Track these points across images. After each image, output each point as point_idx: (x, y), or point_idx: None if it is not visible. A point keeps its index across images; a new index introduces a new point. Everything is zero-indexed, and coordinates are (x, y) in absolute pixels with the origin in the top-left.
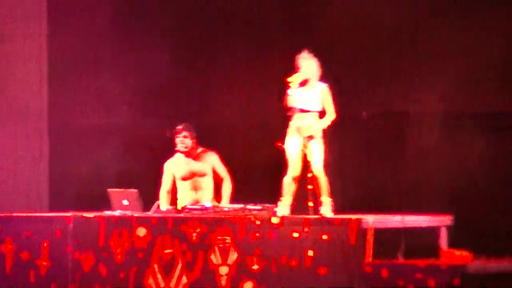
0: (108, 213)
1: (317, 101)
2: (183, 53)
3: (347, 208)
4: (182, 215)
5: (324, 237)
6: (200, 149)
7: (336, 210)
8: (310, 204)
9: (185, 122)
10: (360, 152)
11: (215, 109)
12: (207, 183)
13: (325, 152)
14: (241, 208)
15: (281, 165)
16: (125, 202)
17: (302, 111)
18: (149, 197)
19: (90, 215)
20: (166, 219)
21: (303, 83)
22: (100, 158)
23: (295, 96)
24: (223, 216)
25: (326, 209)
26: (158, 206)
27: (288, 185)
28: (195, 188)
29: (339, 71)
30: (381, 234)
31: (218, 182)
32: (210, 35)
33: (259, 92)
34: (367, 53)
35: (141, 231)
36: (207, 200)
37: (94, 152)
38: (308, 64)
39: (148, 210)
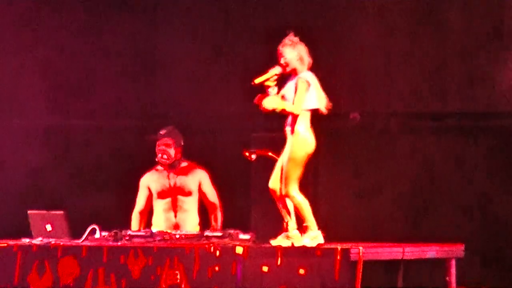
0: (26, 241)
1: (292, 95)
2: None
3: (332, 236)
4: (119, 243)
5: (301, 271)
6: (185, 163)
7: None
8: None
9: (170, 125)
10: (348, 164)
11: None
12: (191, 205)
13: (306, 161)
14: (196, 235)
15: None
16: (49, 227)
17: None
18: (79, 220)
19: (3, 243)
20: (100, 248)
21: (291, 77)
22: (18, 169)
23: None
24: (172, 245)
25: (305, 238)
26: (91, 232)
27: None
28: (175, 209)
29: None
30: (374, 268)
31: (202, 207)
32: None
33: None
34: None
35: (68, 264)
36: (190, 225)
37: (9, 162)
38: (288, 53)
39: (78, 238)
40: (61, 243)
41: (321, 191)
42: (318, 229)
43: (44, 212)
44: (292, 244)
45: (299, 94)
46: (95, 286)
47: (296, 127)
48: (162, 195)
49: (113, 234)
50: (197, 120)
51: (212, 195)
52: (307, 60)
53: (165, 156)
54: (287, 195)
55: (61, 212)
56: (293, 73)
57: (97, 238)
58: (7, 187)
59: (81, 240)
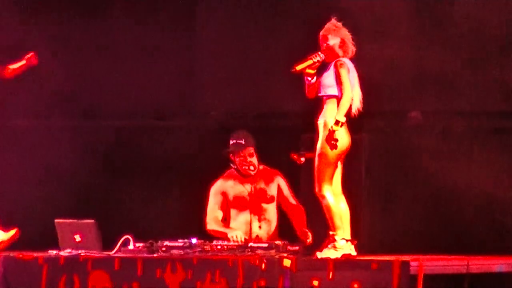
0: (53, 252)
1: (332, 83)
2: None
3: (387, 247)
4: (155, 255)
5: (355, 286)
6: (261, 166)
7: (370, 250)
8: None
9: (241, 130)
10: (405, 166)
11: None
12: (273, 213)
13: (343, 164)
14: (239, 246)
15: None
16: (78, 238)
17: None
18: (111, 230)
19: (28, 255)
20: (134, 261)
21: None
22: (42, 173)
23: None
24: (214, 257)
25: (328, 249)
26: (124, 243)
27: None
28: (260, 219)
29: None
30: (436, 282)
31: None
32: None
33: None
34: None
35: (99, 278)
36: (274, 235)
37: (33, 165)
38: (330, 39)
39: (110, 249)
40: (92, 255)
41: (373, 193)
42: (354, 239)
43: (73, 221)
44: (343, 255)
45: (344, 79)
46: None
47: (329, 120)
48: (244, 204)
49: (148, 245)
50: (244, 120)
51: (292, 197)
52: (350, 47)
53: (252, 168)
54: (319, 196)
55: (91, 220)
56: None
57: (130, 250)
58: (32, 193)
59: (113, 252)
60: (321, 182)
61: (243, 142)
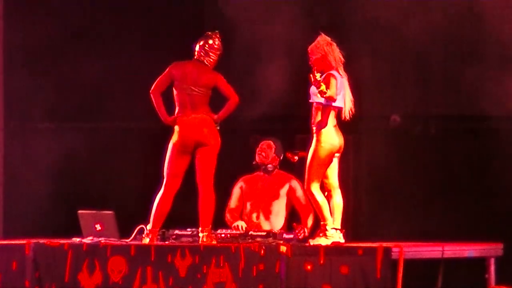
0: (77, 240)
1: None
2: None
3: (371, 234)
4: (167, 242)
5: (344, 269)
6: (278, 171)
7: (354, 237)
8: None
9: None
10: (387, 164)
11: None
12: (278, 209)
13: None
14: (241, 234)
15: None
16: (98, 227)
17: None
18: (128, 220)
19: (55, 242)
20: (148, 247)
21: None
22: (67, 170)
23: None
24: (218, 244)
25: (320, 237)
26: (139, 232)
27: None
28: (264, 211)
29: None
30: (415, 266)
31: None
32: None
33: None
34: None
35: (117, 262)
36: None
37: (59, 163)
38: (317, 52)
39: (126, 237)
40: (110, 242)
41: (359, 190)
42: (343, 229)
43: (94, 212)
44: (332, 243)
45: (332, 85)
46: (144, 284)
47: (321, 124)
48: (251, 197)
49: (160, 233)
50: (241, 122)
51: (303, 200)
52: (338, 59)
53: (263, 154)
54: (307, 192)
55: (111, 212)
56: (324, 72)
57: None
58: (59, 187)
59: (130, 240)
60: (310, 181)
61: (266, 139)
